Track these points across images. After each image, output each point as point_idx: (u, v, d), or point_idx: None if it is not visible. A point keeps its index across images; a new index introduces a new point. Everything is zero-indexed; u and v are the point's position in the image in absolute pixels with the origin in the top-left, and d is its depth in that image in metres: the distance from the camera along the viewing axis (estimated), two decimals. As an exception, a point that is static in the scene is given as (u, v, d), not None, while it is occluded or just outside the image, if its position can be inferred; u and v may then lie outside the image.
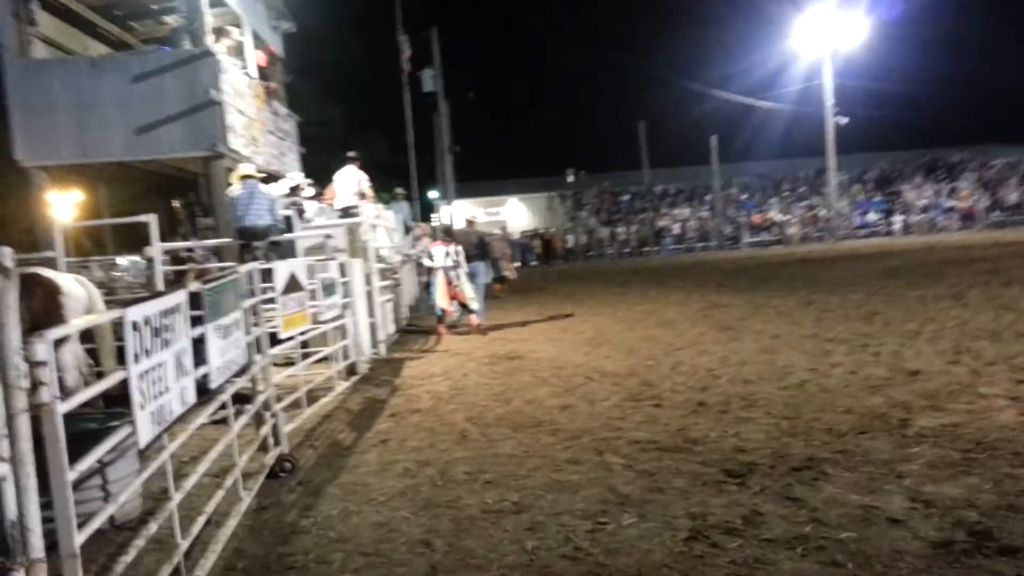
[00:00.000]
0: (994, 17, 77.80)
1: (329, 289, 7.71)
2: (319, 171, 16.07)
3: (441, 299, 12.07)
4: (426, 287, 15.14)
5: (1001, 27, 70.63)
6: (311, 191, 12.20)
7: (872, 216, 41.51)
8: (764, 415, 5.79)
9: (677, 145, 52.72)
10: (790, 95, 41.47)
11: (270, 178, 11.65)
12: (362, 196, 12.44)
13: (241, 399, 5.62)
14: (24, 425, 2.46)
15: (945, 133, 50.67)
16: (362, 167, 12.82)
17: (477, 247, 13.09)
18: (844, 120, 37.93)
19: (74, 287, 5.95)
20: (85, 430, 4.05)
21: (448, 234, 12.97)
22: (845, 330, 9.43)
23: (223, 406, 4.49)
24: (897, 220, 40.76)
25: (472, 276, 12.49)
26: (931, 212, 40.21)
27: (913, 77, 56.69)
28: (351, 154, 12.95)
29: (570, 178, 51.29)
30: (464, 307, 12.15)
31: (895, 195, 43.32)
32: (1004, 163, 45.40)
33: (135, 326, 3.08)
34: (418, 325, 13.82)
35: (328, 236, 8.79)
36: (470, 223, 14.31)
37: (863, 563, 3.27)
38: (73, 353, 5.76)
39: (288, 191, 11.20)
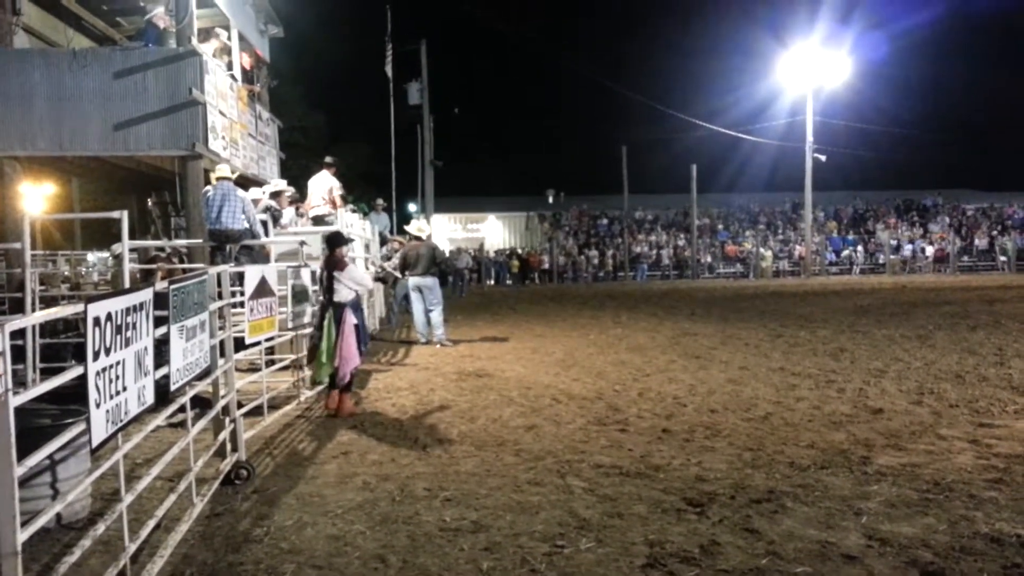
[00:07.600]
0: (975, 64, 79.57)
1: (300, 296, 7.64)
2: (299, 177, 16.02)
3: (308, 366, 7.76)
4: (405, 299, 14.97)
5: (981, 74, 72.24)
6: (291, 193, 12.11)
7: (845, 254, 42.06)
8: (727, 445, 5.80)
9: (658, 173, 53.46)
10: (773, 130, 42.19)
11: (246, 182, 11.57)
12: (333, 204, 12.38)
13: (201, 403, 5.55)
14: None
15: (921, 175, 51.82)
16: (336, 174, 12.78)
17: (432, 261, 12.23)
18: (823, 157, 38.41)
19: None
20: (37, 425, 3.97)
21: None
22: (812, 365, 9.51)
23: (182, 409, 4.42)
24: (869, 259, 41.37)
25: (421, 291, 12.21)
26: (903, 253, 40.83)
27: (893, 118, 57.86)
28: (327, 160, 12.92)
29: (550, 199, 51.56)
30: (331, 381, 7.46)
31: (869, 234, 43.96)
32: (976, 208, 46.40)
33: (97, 322, 3.03)
34: (387, 338, 13.74)
35: (302, 243, 8.73)
36: (416, 238, 12.61)
37: (816, 598, 3.27)
38: None
39: (270, 195, 11.13)
